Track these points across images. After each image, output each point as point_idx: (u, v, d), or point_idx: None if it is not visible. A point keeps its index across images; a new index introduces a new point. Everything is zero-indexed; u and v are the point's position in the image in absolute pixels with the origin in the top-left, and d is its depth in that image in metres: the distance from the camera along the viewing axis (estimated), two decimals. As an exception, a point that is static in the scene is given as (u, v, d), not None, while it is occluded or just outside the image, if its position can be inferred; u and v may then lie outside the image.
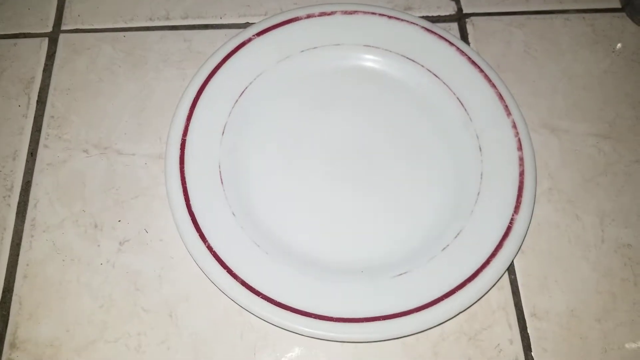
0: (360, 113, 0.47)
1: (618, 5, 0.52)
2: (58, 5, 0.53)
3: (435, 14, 0.52)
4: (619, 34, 0.51)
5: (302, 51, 0.48)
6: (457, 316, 0.40)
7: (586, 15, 0.52)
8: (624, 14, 0.52)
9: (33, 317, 0.41)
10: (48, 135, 0.47)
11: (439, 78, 0.47)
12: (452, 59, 0.47)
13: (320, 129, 0.46)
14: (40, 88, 0.49)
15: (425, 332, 0.40)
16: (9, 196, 0.45)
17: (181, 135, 0.44)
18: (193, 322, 0.41)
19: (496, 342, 0.40)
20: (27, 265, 0.42)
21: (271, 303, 0.38)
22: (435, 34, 0.48)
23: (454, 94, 0.46)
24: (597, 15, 0.52)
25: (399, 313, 0.38)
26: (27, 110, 0.48)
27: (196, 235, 0.40)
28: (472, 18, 0.52)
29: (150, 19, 0.52)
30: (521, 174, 0.42)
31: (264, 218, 0.43)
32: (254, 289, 0.39)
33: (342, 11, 0.49)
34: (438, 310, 0.38)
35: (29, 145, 0.47)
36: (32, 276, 0.42)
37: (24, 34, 0.51)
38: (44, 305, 0.41)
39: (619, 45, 0.51)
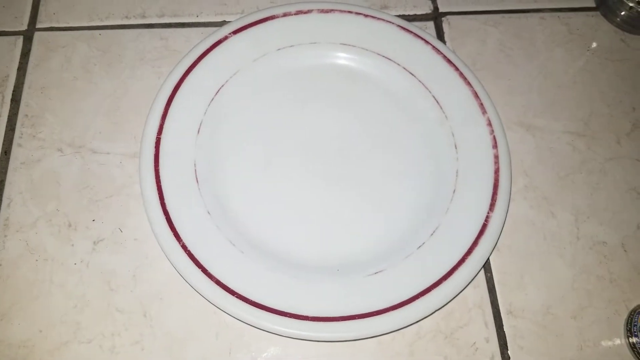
0: (336, 111, 0.47)
1: (592, 4, 0.53)
2: (33, 3, 0.52)
3: (411, 13, 0.52)
4: (593, 32, 0.52)
5: (279, 49, 0.48)
6: (433, 314, 0.40)
7: (561, 14, 0.52)
8: (598, 12, 0.52)
9: (6, 317, 0.40)
10: (22, 134, 0.46)
11: (414, 76, 0.47)
12: (428, 57, 0.47)
13: (296, 128, 0.46)
14: (14, 86, 0.48)
15: (402, 330, 0.40)
16: (-18, 196, 0.44)
17: (156, 134, 0.43)
18: (167, 322, 0.40)
19: (472, 340, 0.40)
20: (0, 265, 0.42)
21: (246, 302, 0.38)
22: (411, 32, 0.48)
23: (430, 92, 0.46)
24: (572, 14, 0.53)
25: (374, 312, 0.38)
26: (1, 109, 0.47)
27: (170, 234, 0.40)
28: (448, 17, 0.52)
29: (127, 17, 0.51)
30: (496, 171, 0.42)
31: (239, 217, 0.43)
32: (229, 288, 0.38)
33: (318, 9, 0.49)
34: (414, 308, 0.38)
35: (3, 144, 0.46)
36: (5, 276, 0.42)
37: (-3, 31, 0.51)
38: (17, 305, 0.41)
39: (593, 44, 0.51)
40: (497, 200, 0.41)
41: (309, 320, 0.38)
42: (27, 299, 0.41)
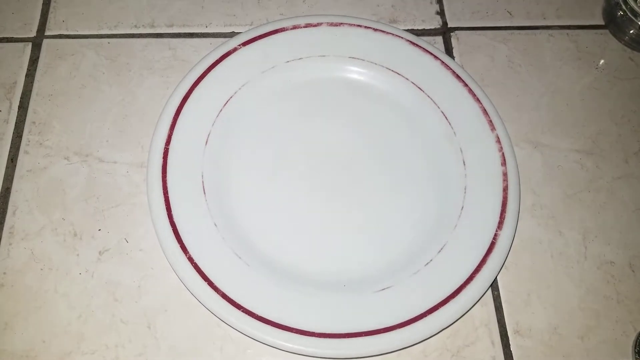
0: (344, 125, 0.47)
1: (601, 22, 0.53)
2: (43, 10, 0.52)
3: (420, 28, 0.52)
4: (602, 50, 0.52)
5: (288, 62, 0.48)
6: (440, 332, 0.39)
7: (570, 32, 0.52)
8: (607, 30, 0.52)
9: (9, 326, 0.40)
10: (29, 142, 0.46)
11: (423, 91, 0.47)
12: (437, 72, 0.47)
13: (304, 140, 0.46)
14: (22, 93, 0.48)
15: (408, 348, 0.40)
16: (-13, 203, 0.44)
17: (164, 144, 0.43)
18: (172, 335, 0.40)
19: (479, 359, 0.40)
20: (5, 273, 0.42)
21: (252, 317, 0.38)
22: (420, 47, 0.48)
23: (438, 107, 0.46)
24: (581, 31, 0.53)
25: (381, 329, 0.38)
26: (8, 116, 0.47)
27: (177, 245, 0.40)
28: (457, 32, 0.52)
29: (135, 26, 0.51)
30: (505, 189, 0.42)
31: (246, 229, 0.42)
32: (235, 302, 0.38)
33: (328, 23, 0.49)
34: (421, 326, 0.38)
35: (10, 151, 0.46)
36: (9, 285, 0.41)
37: (7, 38, 0.51)
38: (20, 314, 0.40)
39: (602, 61, 0.51)
40: (505, 218, 0.41)
41: (315, 336, 0.37)
42: (31, 308, 0.41)
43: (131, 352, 0.40)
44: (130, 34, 0.51)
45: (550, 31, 0.52)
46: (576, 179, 0.46)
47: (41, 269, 0.42)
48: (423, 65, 0.48)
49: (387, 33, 0.48)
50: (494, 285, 0.42)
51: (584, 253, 0.43)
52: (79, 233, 0.43)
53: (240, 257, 0.40)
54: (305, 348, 0.37)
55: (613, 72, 0.51)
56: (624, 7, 0.51)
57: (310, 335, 0.37)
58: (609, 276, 0.43)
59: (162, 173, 0.42)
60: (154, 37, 0.51)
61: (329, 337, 0.38)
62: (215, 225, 0.42)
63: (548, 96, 0.49)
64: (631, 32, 0.51)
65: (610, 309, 0.42)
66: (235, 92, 0.46)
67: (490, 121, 0.45)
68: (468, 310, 0.39)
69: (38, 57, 0.50)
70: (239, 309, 0.38)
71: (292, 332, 0.38)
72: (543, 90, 0.50)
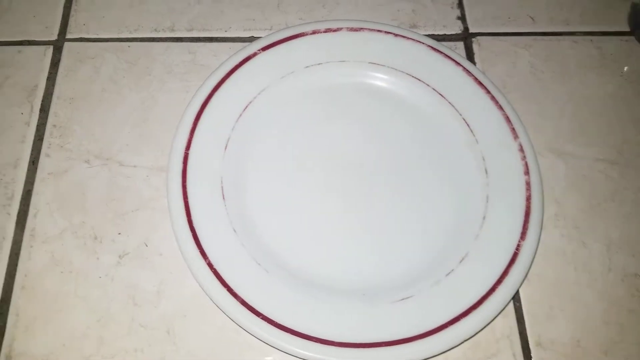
0: (364, 131, 0.47)
1: (626, 28, 0.52)
2: (63, 14, 0.52)
3: (441, 33, 0.52)
4: (626, 57, 0.51)
5: (307, 67, 0.48)
6: (461, 344, 0.39)
7: (594, 38, 0.52)
8: (632, 37, 0.52)
9: (29, 329, 0.40)
10: (50, 144, 0.46)
11: (444, 98, 0.46)
12: (458, 78, 0.47)
13: (323, 146, 0.46)
14: (43, 96, 0.48)
15: (428, 359, 0.39)
16: (9, 205, 0.44)
17: (184, 149, 0.43)
18: (191, 340, 0.40)
19: (500, 371, 0.40)
20: (26, 276, 0.42)
21: (271, 324, 0.38)
22: (441, 53, 0.48)
23: (460, 114, 0.46)
24: (605, 38, 0.52)
25: (401, 340, 0.37)
26: (29, 119, 0.47)
27: (197, 251, 0.40)
28: (479, 38, 0.52)
29: (155, 30, 0.51)
30: (528, 198, 0.42)
31: (265, 236, 0.42)
32: (254, 309, 0.38)
33: (347, 28, 0.48)
34: (442, 337, 0.37)
35: (31, 154, 0.46)
36: (30, 287, 0.42)
37: (28, 41, 0.51)
38: (40, 317, 0.41)
39: (626, 68, 0.50)
40: (528, 229, 0.41)
41: (334, 345, 0.37)
42: (51, 311, 0.41)
43: (150, 356, 0.40)
44: (150, 37, 0.51)
45: (573, 37, 0.52)
46: (600, 189, 0.45)
47: (61, 272, 0.42)
48: (444, 71, 0.47)
49: (408, 38, 0.48)
50: (515, 297, 0.42)
51: (608, 265, 0.43)
52: (99, 236, 0.43)
53: (259, 264, 0.40)
54: (324, 357, 0.37)
55: (638, 79, 0.50)
56: (649, 13, 0.50)
57: (329, 345, 0.37)
58: (634, 289, 0.42)
59: (182, 178, 0.42)
60: (173, 41, 0.51)
61: (349, 347, 0.37)
62: (235, 231, 0.41)
63: (572, 104, 0.49)
64: (657, 38, 0.50)
65: (635, 323, 0.41)
66: (254, 97, 0.46)
67: (513, 129, 0.44)
68: (490, 322, 0.39)
69: (59, 61, 0.50)
70: (258, 315, 0.38)
71: (311, 340, 0.37)
72: (566, 98, 0.49)
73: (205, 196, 0.42)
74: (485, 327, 0.39)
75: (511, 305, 0.41)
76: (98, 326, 0.40)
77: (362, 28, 0.48)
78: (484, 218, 0.42)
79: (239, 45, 0.51)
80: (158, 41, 0.51)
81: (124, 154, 0.46)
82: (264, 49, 0.47)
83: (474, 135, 0.45)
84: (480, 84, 0.46)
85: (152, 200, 0.45)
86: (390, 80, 0.48)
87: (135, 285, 0.42)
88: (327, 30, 0.48)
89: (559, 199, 0.45)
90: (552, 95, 0.49)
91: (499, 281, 0.39)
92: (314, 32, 0.48)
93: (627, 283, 0.42)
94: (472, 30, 0.52)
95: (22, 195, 0.45)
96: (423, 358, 0.37)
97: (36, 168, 0.46)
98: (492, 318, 0.38)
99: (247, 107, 0.46)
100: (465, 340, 0.38)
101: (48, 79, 0.49)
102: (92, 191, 0.45)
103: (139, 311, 0.41)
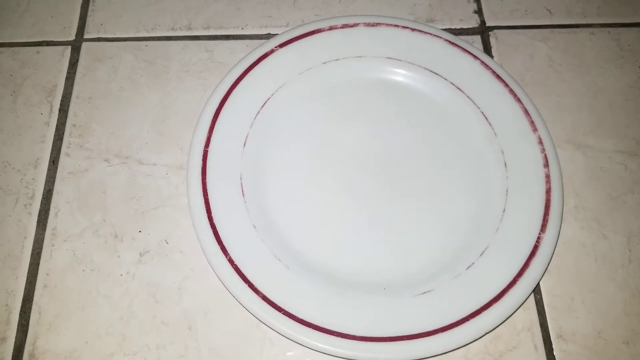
0: (382, 126, 0.47)
1: (645, 19, 0.52)
2: (81, 14, 0.53)
3: (458, 27, 0.52)
4: (645, 49, 0.51)
5: (324, 63, 0.48)
6: (482, 337, 0.39)
7: (611, 30, 0.51)
8: (650, 28, 0.51)
9: (52, 327, 0.41)
10: (70, 144, 0.47)
11: (462, 92, 0.46)
12: (476, 72, 0.47)
13: (342, 141, 0.46)
14: (62, 96, 0.49)
15: (449, 353, 0.39)
16: (30, 204, 0.45)
17: (203, 147, 0.43)
18: (212, 337, 0.40)
19: (521, 364, 0.40)
20: (47, 274, 0.42)
21: (293, 319, 0.38)
22: (459, 46, 0.47)
23: (479, 108, 0.46)
24: (623, 29, 0.51)
25: (422, 333, 0.37)
26: (49, 119, 0.48)
27: (217, 247, 0.40)
28: (496, 31, 0.51)
29: (172, 29, 0.52)
30: (548, 191, 0.42)
31: (284, 231, 0.42)
32: (276, 305, 0.38)
33: (364, 23, 0.48)
34: (463, 331, 0.37)
35: (51, 154, 0.47)
36: (52, 286, 0.42)
37: (47, 41, 0.51)
38: (63, 315, 0.41)
39: (645, 60, 0.50)
40: (549, 221, 0.40)
41: (356, 339, 0.37)
42: (74, 309, 0.41)
43: (172, 353, 0.40)
44: (168, 36, 0.52)
45: (591, 29, 0.51)
46: (620, 181, 0.45)
47: (83, 270, 0.42)
48: (462, 65, 0.47)
49: (425, 33, 0.48)
50: (536, 289, 0.42)
51: (629, 256, 0.42)
52: (119, 234, 0.44)
53: (280, 260, 0.41)
54: (345, 351, 0.37)
55: (657, 71, 0.50)
56: (668, 4, 0.50)
57: (351, 339, 0.37)
58: (655, 281, 0.42)
59: (202, 175, 0.42)
60: (190, 39, 0.51)
61: (370, 341, 0.37)
62: (255, 227, 0.42)
63: (590, 96, 0.48)
64: (676, 29, 0.50)
65: (656, 314, 0.41)
66: (272, 94, 0.46)
67: (532, 122, 0.44)
68: (511, 315, 0.39)
69: (77, 60, 0.50)
70: (280, 311, 0.38)
71: (332, 335, 0.37)
72: (585, 90, 0.49)
73: (225, 193, 0.42)
74: (506, 320, 0.39)
75: (532, 297, 0.41)
76: (120, 324, 0.41)
77: (379, 23, 0.48)
78: (504, 211, 0.42)
79: (256, 42, 0.51)
80: (175, 40, 0.51)
81: (143, 153, 0.47)
82: (281, 45, 0.48)
83: (492, 128, 0.45)
84: (498, 77, 0.46)
85: (171, 198, 0.45)
86: (408, 75, 0.48)
87: (156, 282, 0.42)
88: (343, 26, 0.48)
89: (578, 191, 0.45)
90: (571, 88, 0.49)
91: (520, 274, 0.39)
92: (330, 28, 0.48)
93: (648, 275, 0.42)
94: (489, 23, 0.52)
95: (43, 194, 0.45)
96: (444, 351, 0.37)
97: (56, 167, 0.46)
98: (513, 311, 0.38)
99: (265, 103, 0.46)
100: (487, 333, 0.38)
101: (67, 79, 0.50)
102: (112, 190, 0.45)
103: (160, 308, 0.41)
